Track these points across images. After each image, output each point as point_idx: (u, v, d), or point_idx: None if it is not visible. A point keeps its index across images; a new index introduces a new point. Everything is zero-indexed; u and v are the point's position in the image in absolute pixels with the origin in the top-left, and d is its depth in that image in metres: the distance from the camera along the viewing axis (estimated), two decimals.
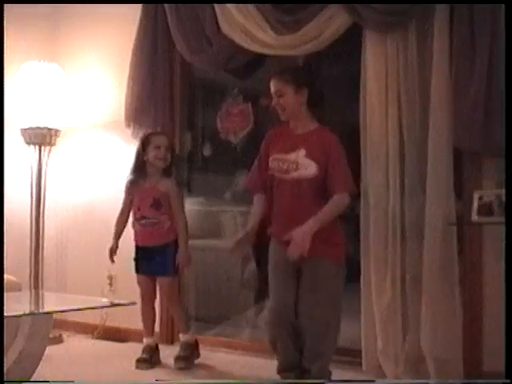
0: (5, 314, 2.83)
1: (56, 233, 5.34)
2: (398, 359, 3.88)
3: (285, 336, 3.66)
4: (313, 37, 4.12)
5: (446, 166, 3.75)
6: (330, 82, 4.71)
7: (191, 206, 4.78)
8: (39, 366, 3.19)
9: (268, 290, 3.76)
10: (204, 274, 4.51)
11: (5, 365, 3.01)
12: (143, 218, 4.29)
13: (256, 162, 3.84)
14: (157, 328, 4.43)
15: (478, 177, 3.77)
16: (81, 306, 3.41)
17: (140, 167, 4.33)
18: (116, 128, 5.04)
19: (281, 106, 3.69)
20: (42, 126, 4.86)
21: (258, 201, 3.81)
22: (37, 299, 3.88)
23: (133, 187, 4.35)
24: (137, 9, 4.83)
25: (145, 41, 4.77)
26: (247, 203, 4.55)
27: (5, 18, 4.58)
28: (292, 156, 3.65)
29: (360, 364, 4.07)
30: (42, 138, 4.90)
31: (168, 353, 4.42)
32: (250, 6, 4.28)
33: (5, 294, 3.52)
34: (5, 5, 4.30)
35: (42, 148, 4.94)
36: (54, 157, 5.10)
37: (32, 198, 4.97)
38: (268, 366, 4.02)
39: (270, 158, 3.72)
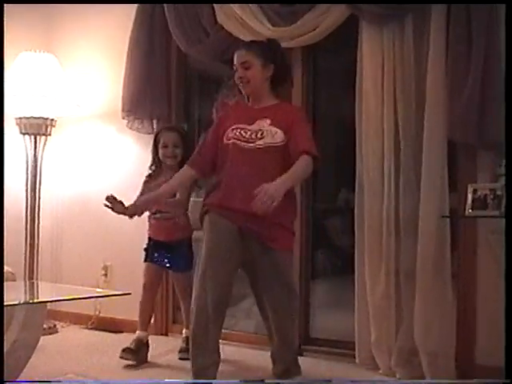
0: None
1: (51, 223, 5.34)
2: (390, 351, 3.89)
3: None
4: (310, 28, 4.13)
5: (441, 160, 3.75)
6: (326, 73, 4.71)
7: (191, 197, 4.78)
8: (33, 356, 3.20)
9: None
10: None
11: None
12: (158, 212, 4.25)
13: (203, 139, 3.79)
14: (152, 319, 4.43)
15: (473, 170, 3.77)
16: (75, 296, 3.42)
17: (155, 163, 4.36)
18: (112, 119, 5.04)
19: (246, 78, 3.55)
20: (37, 115, 4.86)
21: (182, 173, 3.72)
22: (31, 289, 3.89)
23: (150, 182, 4.32)
24: None
25: (141, 31, 4.77)
26: None
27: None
28: (255, 126, 3.52)
29: (353, 356, 4.08)
30: (37, 127, 4.90)
31: (162, 344, 4.45)
32: None
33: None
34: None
35: (38, 138, 4.94)
36: (50, 147, 5.09)
37: (27, 188, 4.97)
38: (262, 357, 4.03)
39: (229, 129, 3.55)
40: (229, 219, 3.43)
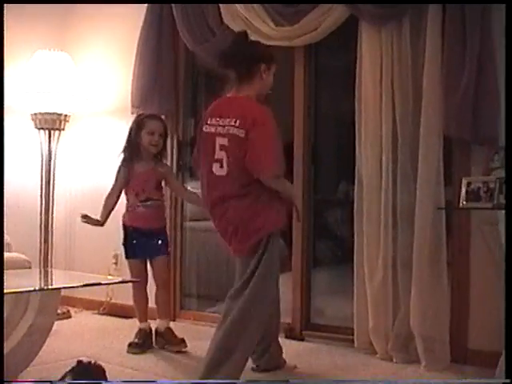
0: (16, 290, 2.89)
1: (65, 214, 5.37)
2: (388, 337, 3.91)
3: None
4: (311, 28, 4.14)
5: (436, 154, 3.77)
6: (327, 71, 4.72)
7: (193, 189, 4.80)
8: (48, 340, 3.23)
9: None
10: (205, 254, 4.53)
11: (16, 337, 3.05)
12: (149, 199, 4.15)
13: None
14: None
15: (467, 164, 3.79)
16: (88, 283, 3.45)
17: (133, 149, 4.17)
18: (122, 114, 5.05)
19: None
20: (51, 111, 4.89)
21: None
22: (46, 276, 3.92)
23: (127, 169, 4.19)
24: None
25: (150, 31, 4.79)
26: None
27: (18, 11, 4.61)
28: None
29: (352, 341, 4.10)
30: (51, 123, 4.93)
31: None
32: None
33: (16, 271, 3.58)
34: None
35: (52, 133, 4.97)
36: (63, 141, 5.12)
37: (42, 180, 5.00)
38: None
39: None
40: None
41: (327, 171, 4.91)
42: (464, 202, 3.53)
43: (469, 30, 3.63)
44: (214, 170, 3.30)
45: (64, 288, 3.45)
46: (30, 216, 4.98)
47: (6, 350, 2.98)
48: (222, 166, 3.27)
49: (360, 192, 4.02)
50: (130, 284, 4.27)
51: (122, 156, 4.22)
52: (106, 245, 5.18)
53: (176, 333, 4.21)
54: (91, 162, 5.40)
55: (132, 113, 4.85)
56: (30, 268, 3.93)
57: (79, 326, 4.79)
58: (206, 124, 3.38)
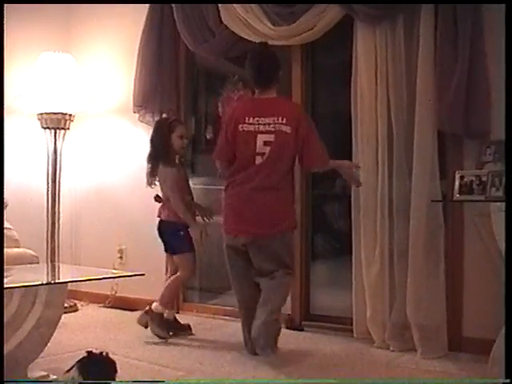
0: (24, 284, 2.90)
1: (71, 210, 5.38)
2: (385, 326, 3.93)
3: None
4: (308, 28, 4.15)
5: (430, 148, 3.77)
6: (324, 69, 4.72)
7: (195, 185, 4.81)
8: (56, 332, 3.23)
9: None
10: (207, 248, 4.52)
11: (24, 330, 3.06)
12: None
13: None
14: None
15: (460, 158, 3.80)
16: (93, 277, 3.45)
17: (165, 151, 4.18)
18: (125, 113, 5.07)
19: None
20: (56, 111, 4.89)
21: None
22: (53, 271, 3.93)
23: (152, 169, 4.24)
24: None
25: (152, 32, 4.79)
26: None
27: (23, 14, 4.61)
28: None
29: (351, 331, 4.12)
30: (57, 122, 4.93)
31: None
32: None
33: (24, 266, 3.59)
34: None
35: (57, 132, 4.97)
36: (68, 140, 5.12)
37: (48, 178, 5.00)
38: None
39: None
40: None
41: None
42: (457, 195, 3.54)
43: (461, 29, 3.65)
44: (256, 162, 3.67)
45: (71, 282, 3.46)
46: (37, 213, 4.99)
47: (15, 342, 3.00)
48: (264, 159, 3.66)
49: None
50: (135, 277, 4.27)
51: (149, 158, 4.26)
52: (111, 240, 5.20)
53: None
54: (95, 159, 5.41)
55: (134, 112, 4.87)
56: (37, 263, 3.94)
57: (86, 318, 4.80)
58: (244, 123, 3.70)
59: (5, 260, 3.20)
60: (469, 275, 3.80)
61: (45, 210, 4.99)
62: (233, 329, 4.31)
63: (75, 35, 5.43)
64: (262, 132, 3.67)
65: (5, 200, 4.01)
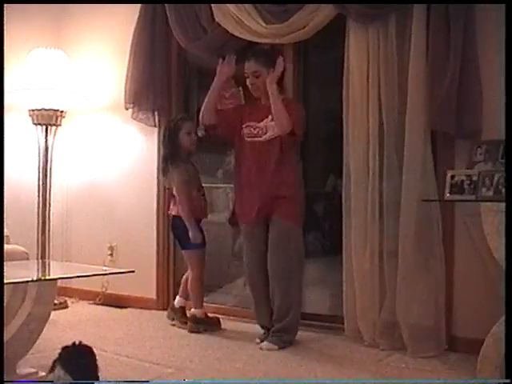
0: (14, 280, 2.88)
1: (61, 207, 5.37)
2: (375, 325, 3.93)
3: (259, 288, 4.02)
4: (300, 26, 4.14)
5: (421, 147, 3.77)
6: (316, 67, 4.72)
7: None
8: (45, 329, 3.22)
9: None
10: None
11: (14, 326, 3.04)
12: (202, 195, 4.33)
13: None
14: (153, 295, 4.44)
15: (451, 158, 3.80)
16: (84, 274, 3.44)
17: (174, 151, 4.25)
18: (117, 110, 5.05)
19: (256, 85, 3.99)
20: (48, 107, 4.87)
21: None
22: (43, 267, 3.91)
23: (166, 169, 4.30)
24: None
25: (144, 29, 4.78)
26: None
27: (14, 10, 4.59)
28: (262, 123, 3.96)
29: (341, 329, 4.12)
30: (48, 118, 4.91)
31: (164, 318, 4.49)
32: None
33: (14, 262, 3.57)
34: None
35: (49, 128, 4.95)
36: (60, 136, 5.11)
37: (39, 174, 4.98)
38: (256, 330, 4.09)
39: (244, 125, 4.03)
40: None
41: (316, 165, 4.92)
42: (448, 195, 3.54)
43: (453, 28, 3.64)
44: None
45: (61, 278, 3.45)
46: (27, 209, 4.97)
47: (5, 339, 2.97)
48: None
49: (348, 185, 4.03)
50: (125, 274, 4.26)
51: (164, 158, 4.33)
52: (101, 237, 5.19)
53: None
54: (87, 156, 5.39)
55: (126, 109, 4.85)
56: (27, 259, 3.93)
57: (76, 315, 4.78)
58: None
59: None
60: (459, 275, 3.80)
61: (36, 207, 4.97)
62: (224, 326, 4.31)
63: (67, 31, 5.41)
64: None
65: None
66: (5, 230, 4.05)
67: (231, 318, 4.58)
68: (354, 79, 3.98)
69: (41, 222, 4.97)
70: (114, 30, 5.19)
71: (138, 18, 4.80)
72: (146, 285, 4.31)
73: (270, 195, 3.92)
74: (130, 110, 4.86)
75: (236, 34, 4.34)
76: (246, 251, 4.10)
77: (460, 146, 3.76)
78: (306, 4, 4.09)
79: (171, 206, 4.36)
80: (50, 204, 5.01)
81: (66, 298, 5.09)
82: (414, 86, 3.78)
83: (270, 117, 3.93)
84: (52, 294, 3.23)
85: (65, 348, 2.62)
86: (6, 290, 2.99)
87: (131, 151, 5.14)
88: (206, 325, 4.28)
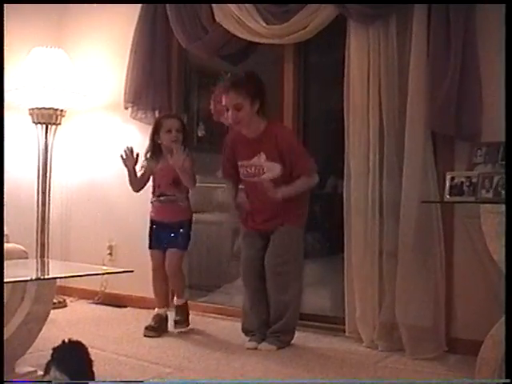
0: (13, 279, 2.88)
1: (61, 206, 5.37)
2: (374, 326, 3.93)
3: (253, 286, 3.97)
4: (301, 27, 4.14)
5: (421, 149, 3.77)
6: (316, 68, 4.73)
7: None
8: (44, 328, 3.22)
9: None
10: (197, 246, 4.54)
11: (13, 325, 3.05)
12: (162, 195, 4.25)
13: (224, 158, 4.06)
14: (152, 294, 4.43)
15: (450, 159, 3.80)
16: (83, 273, 3.44)
17: (155, 149, 4.30)
18: (117, 109, 5.06)
19: (238, 119, 3.77)
20: (48, 106, 4.88)
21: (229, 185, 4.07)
22: (42, 266, 3.91)
23: (150, 167, 4.31)
24: None
25: (145, 28, 4.78)
26: None
27: (15, 10, 4.59)
28: (255, 161, 3.84)
29: (341, 330, 4.12)
30: (48, 117, 4.92)
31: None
32: None
33: (13, 261, 3.57)
34: None
35: (49, 127, 4.96)
36: (60, 135, 5.11)
37: (39, 173, 4.99)
38: None
39: (239, 164, 3.93)
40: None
41: (316, 166, 4.91)
42: (448, 196, 3.54)
43: (453, 29, 3.64)
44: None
45: (60, 278, 3.45)
46: (27, 208, 4.97)
47: (3, 337, 2.98)
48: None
49: (348, 186, 4.03)
50: (124, 274, 4.27)
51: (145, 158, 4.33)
52: (100, 236, 5.19)
53: (168, 322, 4.28)
54: (86, 155, 5.40)
55: (126, 108, 4.86)
56: (26, 258, 3.93)
57: (75, 314, 4.79)
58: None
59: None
60: (458, 277, 3.81)
61: (35, 206, 4.98)
62: (222, 326, 4.32)
63: (67, 30, 5.42)
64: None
65: None
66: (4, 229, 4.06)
67: (230, 318, 4.57)
68: (355, 80, 3.99)
69: (40, 220, 4.97)
70: (115, 29, 5.19)
71: (139, 18, 4.81)
72: (145, 284, 4.31)
73: (276, 214, 3.89)
74: (130, 109, 4.87)
75: (237, 34, 4.35)
76: (244, 257, 4.06)
77: (460, 147, 3.76)
78: (307, 4, 4.09)
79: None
80: (49, 203, 5.01)
81: (65, 297, 5.10)
82: (415, 87, 3.78)
83: (262, 153, 3.84)
84: (51, 293, 3.23)
85: (56, 348, 2.63)
86: (5, 289, 3.00)
87: None
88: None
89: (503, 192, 3.11)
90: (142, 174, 4.35)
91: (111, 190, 5.19)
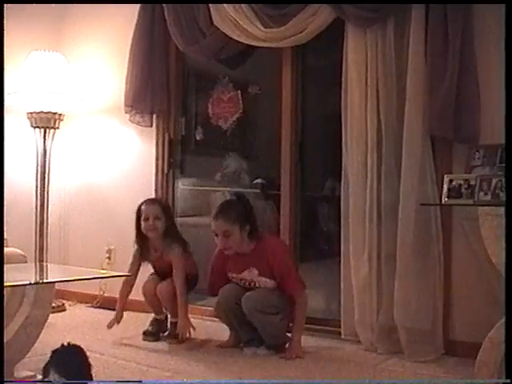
0: (12, 283, 2.88)
1: (59, 210, 5.37)
2: (373, 328, 3.93)
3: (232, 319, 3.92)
4: (298, 30, 4.15)
5: (419, 151, 3.78)
6: (314, 71, 4.73)
7: (184, 185, 4.80)
8: (43, 332, 3.22)
9: None
10: (195, 249, 4.52)
11: (12, 329, 3.05)
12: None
13: (211, 273, 4.03)
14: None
15: (449, 162, 3.81)
16: (81, 277, 3.45)
17: (141, 238, 4.16)
18: (115, 113, 5.06)
19: (228, 245, 3.78)
20: (46, 110, 4.88)
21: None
22: (41, 270, 3.91)
23: (141, 257, 4.21)
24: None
25: (143, 33, 4.79)
26: (236, 184, 4.59)
27: (13, 13, 4.58)
28: (245, 274, 3.85)
29: (339, 333, 4.13)
30: (46, 121, 4.92)
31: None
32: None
33: (12, 265, 3.57)
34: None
35: (47, 131, 4.96)
36: (58, 139, 5.12)
37: (37, 177, 4.99)
38: None
39: (229, 275, 3.91)
40: None
41: (314, 168, 4.91)
42: (446, 199, 3.54)
43: (451, 31, 3.65)
44: None
45: (59, 282, 3.45)
46: (25, 212, 4.97)
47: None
48: None
49: (346, 188, 4.04)
50: (123, 278, 4.28)
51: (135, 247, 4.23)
52: (99, 240, 5.19)
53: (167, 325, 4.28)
54: (85, 159, 5.40)
55: (125, 112, 4.86)
56: (25, 262, 3.92)
57: (73, 318, 4.79)
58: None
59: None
60: (456, 279, 3.81)
61: (33, 210, 4.98)
62: (220, 329, 4.31)
63: (65, 34, 5.43)
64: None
65: None
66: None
67: None
68: (353, 83, 3.99)
69: (39, 224, 4.97)
70: (113, 33, 5.20)
71: (137, 21, 4.81)
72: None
73: None
74: (129, 114, 4.87)
75: (234, 37, 4.36)
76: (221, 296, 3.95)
77: (458, 150, 3.77)
78: (305, 8, 4.10)
79: None
80: (47, 207, 5.01)
81: (64, 301, 5.10)
82: (413, 90, 3.79)
83: (253, 268, 3.82)
84: (50, 297, 3.23)
85: (55, 351, 2.62)
86: (5, 293, 2.99)
87: (129, 154, 5.15)
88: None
89: (501, 194, 3.12)
90: (132, 264, 4.23)
91: (110, 194, 5.20)
